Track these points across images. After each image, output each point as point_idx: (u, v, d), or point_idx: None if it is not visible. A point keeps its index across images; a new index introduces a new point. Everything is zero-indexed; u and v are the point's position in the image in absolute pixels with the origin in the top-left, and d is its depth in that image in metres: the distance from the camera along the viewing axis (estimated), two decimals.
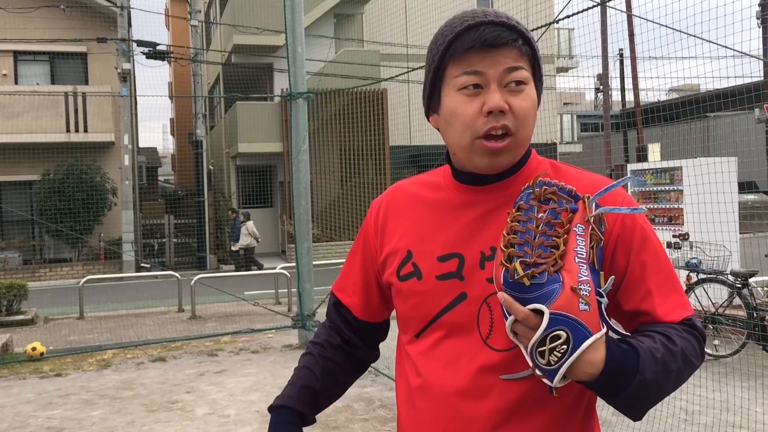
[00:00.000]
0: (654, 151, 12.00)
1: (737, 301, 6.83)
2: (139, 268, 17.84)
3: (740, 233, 8.78)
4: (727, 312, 6.88)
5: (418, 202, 1.42)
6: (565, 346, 1.06)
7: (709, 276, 7.12)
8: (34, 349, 7.92)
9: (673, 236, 8.62)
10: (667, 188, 9.15)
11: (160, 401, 6.08)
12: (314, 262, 8.18)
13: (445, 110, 1.31)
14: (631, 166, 10.03)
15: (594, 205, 1.16)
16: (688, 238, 8.15)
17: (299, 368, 1.54)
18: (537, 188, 1.16)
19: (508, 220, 1.16)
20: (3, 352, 8.01)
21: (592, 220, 1.14)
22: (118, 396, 6.29)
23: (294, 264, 8.34)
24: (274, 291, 12.06)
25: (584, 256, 1.11)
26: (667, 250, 8.25)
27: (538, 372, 1.12)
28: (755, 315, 6.55)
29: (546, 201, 1.15)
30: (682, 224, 8.74)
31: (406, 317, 1.40)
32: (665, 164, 9.48)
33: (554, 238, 1.11)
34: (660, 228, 9.17)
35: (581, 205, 1.15)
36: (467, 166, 1.33)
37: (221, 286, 11.41)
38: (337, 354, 1.54)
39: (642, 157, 13.31)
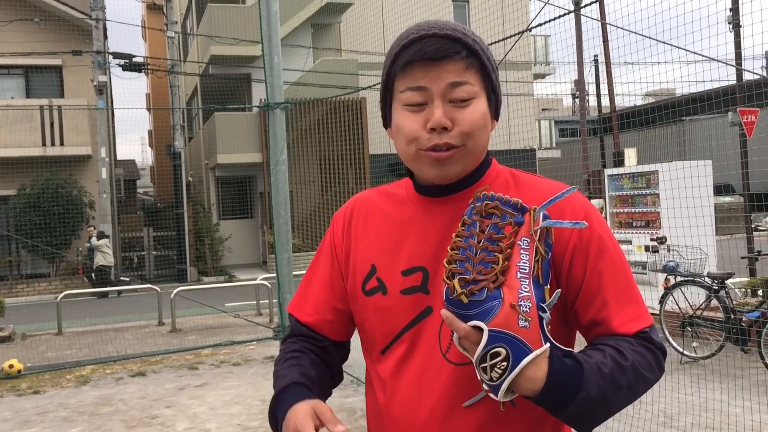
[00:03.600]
0: (630, 155, 12.11)
1: (715, 303, 6.90)
2: (118, 282, 17.67)
3: (717, 235, 8.87)
4: (705, 314, 6.95)
5: (380, 214, 1.40)
6: (505, 363, 1.06)
7: (686, 279, 7.19)
8: (11, 366, 7.81)
9: (651, 240, 8.69)
10: (643, 192, 9.24)
11: (139, 417, 6.01)
12: (295, 273, 8.13)
13: (393, 124, 1.30)
14: (608, 171, 10.11)
15: (542, 216, 1.14)
16: (665, 241, 8.22)
17: (285, 367, 1.36)
18: (478, 203, 1.14)
19: (453, 235, 1.14)
20: None
21: (538, 233, 1.12)
22: (96, 412, 6.21)
23: (275, 274, 8.30)
24: (255, 302, 11.99)
25: (527, 271, 1.09)
26: (645, 254, 8.34)
27: (484, 386, 1.11)
28: (732, 317, 6.61)
29: (489, 215, 1.13)
30: (659, 228, 8.82)
31: (372, 334, 1.36)
32: (641, 168, 9.57)
33: (495, 254, 1.10)
34: (637, 232, 9.25)
35: (528, 217, 1.13)
36: (419, 177, 1.32)
37: (202, 298, 11.33)
38: (318, 359, 1.41)
39: (618, 162, 13.43)
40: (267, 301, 11.41)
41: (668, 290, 7.29)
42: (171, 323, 10.81)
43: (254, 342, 9.16)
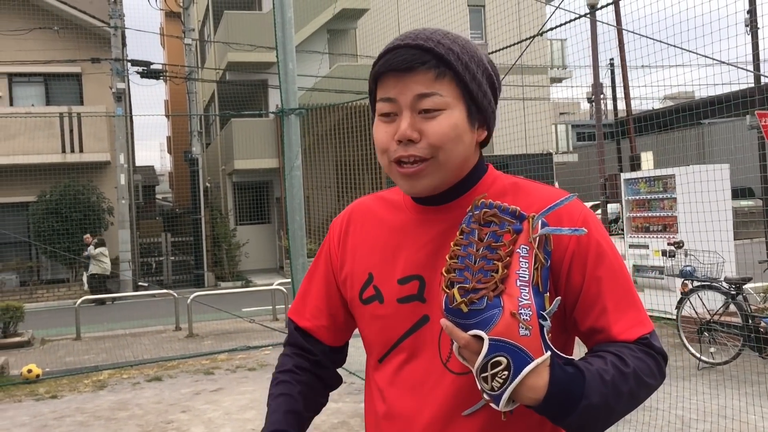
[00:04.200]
0: (647, 159, 12.03)
1: (732, 308, 6.82)
2: (136, 287, 17.80)
3: (735, 240, 8.79)
4: (723, 319, 6.87)
5: (377, 221, 1.39)
6: (506, 372, 1.05)
7: (703, 283, 7.12)
8: (29, 371, 7.89)
9: (668, 244, 8.63)
10: (660, 196, 9.17)
11: (155, 421, 6.05)
12: None
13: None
14: (624, 175, 10.05)
15: (540, 223, 1.13)
16: (682, 246, 8.16)
17: (276, 396, 1.45)
18: (476, 211, 1.13)
19: (452, 244, 1.13)
20: None
21: (537, 240, 1.11)
22: (113, 417, 6.26)
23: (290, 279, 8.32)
24: (271, 307, 12.03)
25: (527, 279, 1.08)
26: (661, 258, 8.27)
27: (485, 396, 1.10)
28: (750, 322, 6.54)
29: (487, 223, 1.12)
30: (676, 232, 8.75)
31: (370, 342, 1.38)
32: (658, 172, 9.51)
33: (495, 262, 1.09)
34: (654, 236, 9.18)
35: (526, 225, 1.12)
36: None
37: (218, 303, 11.39)
38: (310, 377, 1.47)
39: (635, 165, 13.35)
40: (283, 306, 11.45)
41: (685, 295, 7.22)
42: (188, 328, 10.88)
43: (270, 347, 9.19)
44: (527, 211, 1.14)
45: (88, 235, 17.20)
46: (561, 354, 1.12)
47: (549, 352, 1.08)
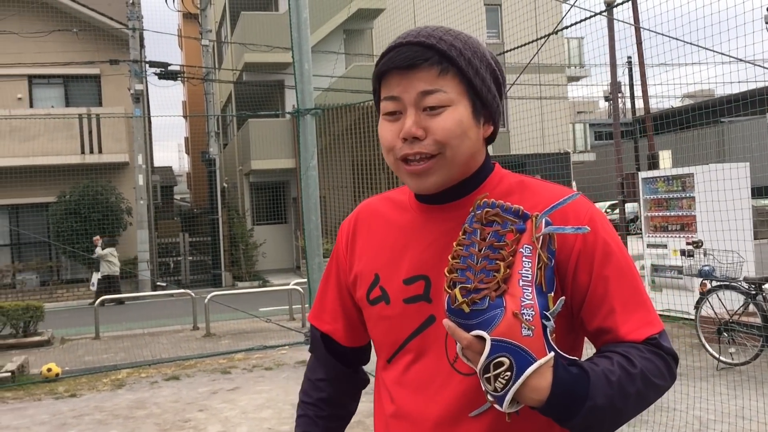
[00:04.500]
0: (664, 158, 11.92)
1: (752, 308, 6.75)
2: (154, 287, 17.93)
3: (755, 239, 8.69)
4: (742, 319, 6.80)
5: (384, 222, 1.39)
6: (508, 373, 1.04)
7: (722, 283, 7.05)
8: (49, 370, 7.98)
9: (687, 243, 8.56)
10: (678, 195, 9.09)
11: (172, 420, 6.09)
12: None
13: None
14: (642, 174, 9.97)
15: (544, 222, 1.12)
16: (701, 245, 8.08)
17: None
18: (478, 211, 1.12)
19: (454, 244, 1.13)
20: (19, 374, 8.08)
21: (540, 239, 1.10)
22: (131, 416, 6.31)
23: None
24: (288, 307, 12.07)
25: (530, 279, 1.08)
26: (680, 258, 8.20)
27: (489, 397, 1.09)
28: None
29: (490, 223, 1.11)
30: (695, 231, 8.67)
31: (378, 342, 1.38)
32: (676, 171, 9.43)
33: (497, 262, 1.08)
34: (672, 236, 9.11)
35: (530, 224, 1.11)
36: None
37: (236, 303, 11.44)
38: (332, 408, 1.51)
39: (653, 164, 13.23)
40: (299, 306, 11.48)
41: (704, 295, 7.16)
42: (205, 328, 10.94)
43: (286, 346, 9.22)
44: (533, 210, 1.13)
45: (97, 237, 17.11)
46: (565, 355, 1.11)
47: (552, 353, 1.07)
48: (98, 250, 16.58)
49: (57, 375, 7.98)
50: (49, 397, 7.22)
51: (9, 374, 7.87)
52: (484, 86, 1.25)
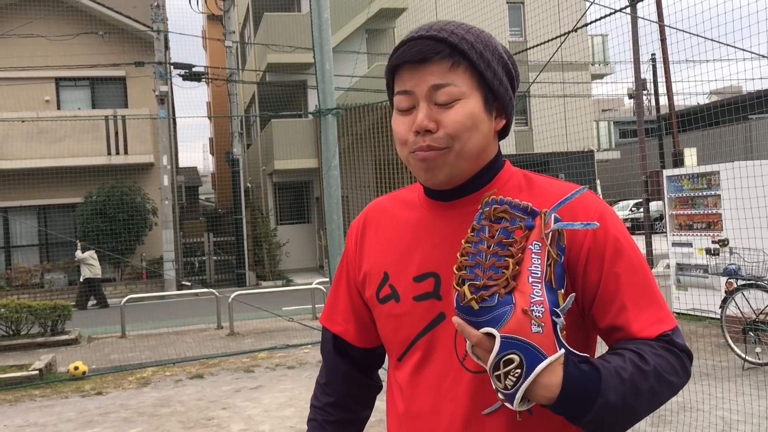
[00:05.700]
0: (690, 155, 11.78)
1: None
2: (180, 287, 18.11)
3: None
4: None
5: (393, 220, 1.39)
6: (519, 370, 1.03)
7: (748, 282, 6.95)
8: (76, 368, 8.10)
9: (712, 242, 8.45)
10: (704, 193, 8.98)
11: (196, 418, 6.15)
12: None
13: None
14: (666, 172, 9.86)
15: (553, 218, 1.10)
16: (727, 243, 7.98)
17: None
18: (486, 208, 1.11)
19: (462, 241, 1.12)
20: (47, 372, 8.21)
21: (549, 236, 1.09)
22: (156, 413, 6.39)
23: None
24: (311, 306, 12.12)
25: (539, 276, 1.06)
26: (705, 257, 8.10)
27: (499, 396, 1.08)
28: None
29: (498, 220, 1.10)
30: (721, 230, 8.56)
31: (388, 341, 1.37)
32: (702, 169, 9.31)
33: (506, 259, 1.07)
34: (698, 234, 9.00)
35: (538, 221, 1.10)
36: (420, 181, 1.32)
37: (259, 302, 11.53)
38: (340, 412, 1.50)
39: (678, 162, 13.08)
40: (322, 305, 11.49)
41: (730, 294, 7.07)
42: (229, 327, 11.03)
43: (309, 345, 9.26)
44: (541, 206, 1.13)
45: (77, 240, 16.73)
46: (576, 352, 1.09)
47: (562, 350, 1.06)
48: (78, 254, 16.03)
49: (84, 373, 8.10)
50: (76, 395, 7.33)
51: (37, 372, 8.00)
52: (495, 79, 1.25)
